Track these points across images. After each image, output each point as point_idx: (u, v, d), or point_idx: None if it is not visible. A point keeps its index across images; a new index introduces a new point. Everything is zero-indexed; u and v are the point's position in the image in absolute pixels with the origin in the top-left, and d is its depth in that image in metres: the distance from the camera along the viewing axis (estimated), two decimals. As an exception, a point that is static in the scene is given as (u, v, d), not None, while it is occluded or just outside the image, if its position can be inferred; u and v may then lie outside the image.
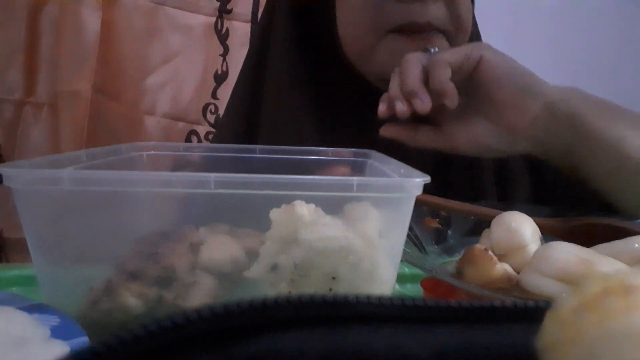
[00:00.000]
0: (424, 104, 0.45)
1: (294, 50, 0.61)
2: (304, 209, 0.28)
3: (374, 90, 0.54)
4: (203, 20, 1.22)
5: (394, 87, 0.47)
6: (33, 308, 0.27)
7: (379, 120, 0.48)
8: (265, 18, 0.66)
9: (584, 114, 0.46)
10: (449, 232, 0.48)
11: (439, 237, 0.47)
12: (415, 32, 0.52)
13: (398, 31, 0.52)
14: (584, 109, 0.46)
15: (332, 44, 0.58)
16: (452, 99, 0.45)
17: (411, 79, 0.45)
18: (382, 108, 0.47)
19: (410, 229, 0.33)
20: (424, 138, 0.50)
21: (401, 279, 0.32)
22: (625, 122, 0.47)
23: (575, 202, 0.51)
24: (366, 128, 0.52)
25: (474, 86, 0.47)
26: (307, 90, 0.61)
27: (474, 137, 0.49)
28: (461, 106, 0.48)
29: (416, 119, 0.49)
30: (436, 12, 0.52)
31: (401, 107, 0.45)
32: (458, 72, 0.46)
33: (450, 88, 0.45)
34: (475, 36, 0.63)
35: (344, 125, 0.59)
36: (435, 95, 0.45)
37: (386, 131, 0.50)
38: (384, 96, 0.48)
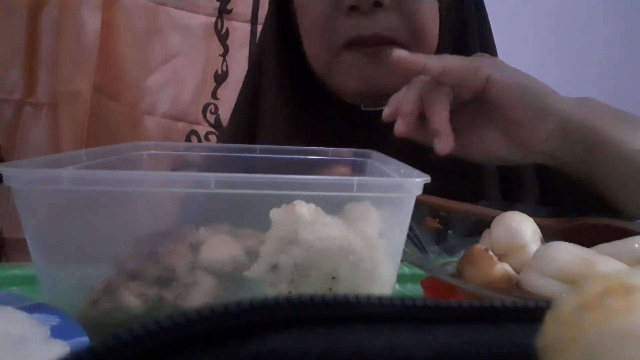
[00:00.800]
0: (400, 127, 0.45)
1: (282, 64, 0.62)
2: (304, 209, 0.28)
3: (345, 103, 0.54)
4: (203, 20, 1.22)
5: (395, 99, 0.47)
6: (33, 308, 0.27)
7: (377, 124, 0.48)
8: (265, 26, 0.67)
9: (599, 129, 0.45)
10: (449, 232, 0.48)
11: (439, 237, 0.47)
12: (366, 46, 0.51)
13: (350, 47, 0.52)
14: (599, 123, 0.45)
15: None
16: (444, 144, 0.44)
17: (406, 103, 0.45)
18: (386, 112, 0.47)
19: (410, 229, 0.33)
20: None
21: (401, 279, 0.32)
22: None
23: (581, 203, 0.51)
24: (343, 138, 0.52)
25: (485, 102, 0.46)
26: (294, 104, 0.61)
27: (486, 147, 0.48)
28: (473, 114, 0.48)
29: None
30: (386, 24, 0.50)
31: (397, 126, 0.45)
32: (461, 87, 0.45)
33: (444, 129, 0.44)
34: (483, 38, 0.63)
35: (323, 136, 0.59)
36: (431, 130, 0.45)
37: (399, 130, 0.49)
38: (391, 100, 0.47)
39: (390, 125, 0.46)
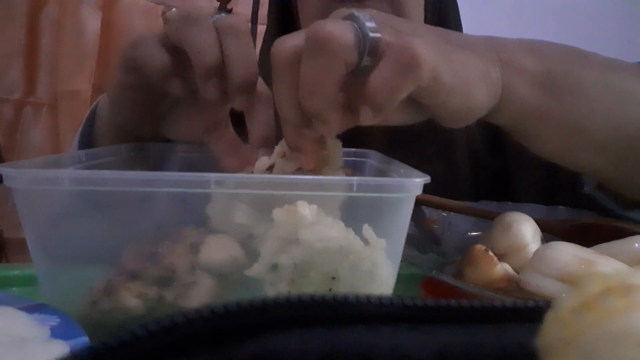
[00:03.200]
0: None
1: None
2: (307, 210, 0.28)
3: None
4: (203, 20, 1.22)
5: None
6: (33, 308, 0.27)
7: None
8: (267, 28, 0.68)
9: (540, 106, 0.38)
10: (449, 232, 0.48)
11: (439, 238, 0.47)
12: None
13: None
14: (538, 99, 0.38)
15: None
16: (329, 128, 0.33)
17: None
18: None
19: (410, 229, 0.33)
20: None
21: (401, 279, 0.32)
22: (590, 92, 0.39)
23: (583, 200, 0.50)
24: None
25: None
26: None
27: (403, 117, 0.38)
28: None
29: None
30: (377, 8, 0.50)
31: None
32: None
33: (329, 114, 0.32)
34: (457, 20, 0.63)
35: None
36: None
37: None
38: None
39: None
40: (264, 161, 0.36)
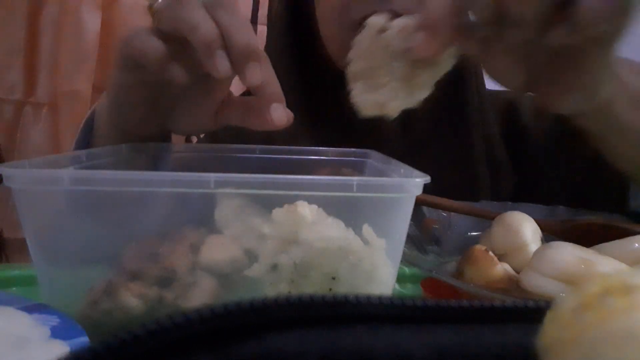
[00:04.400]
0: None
1: (287, 52, 0.61)
2: (307, 210, 0.28)
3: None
4: (203, 20, 1.22)
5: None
6: (33, 308, 0.27)
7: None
8: (275, 18, 0.67)
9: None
10: (449, 232, 0.48)
11: (439, 238, 0.47)
12: None
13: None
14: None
15: (319, 43, 0.58)
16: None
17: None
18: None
19: (410, 229, 0.33)
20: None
21: (401, 279, 0.32)
22: None
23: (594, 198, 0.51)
24: (354, 127, 0.51)
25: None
26: (298, 91, 0.60)
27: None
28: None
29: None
30: (402, 3, 0.47)
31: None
32: None
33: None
34: None
35: (332, 124, 0.58)
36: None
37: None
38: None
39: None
40: (379, 19, 0.36)
